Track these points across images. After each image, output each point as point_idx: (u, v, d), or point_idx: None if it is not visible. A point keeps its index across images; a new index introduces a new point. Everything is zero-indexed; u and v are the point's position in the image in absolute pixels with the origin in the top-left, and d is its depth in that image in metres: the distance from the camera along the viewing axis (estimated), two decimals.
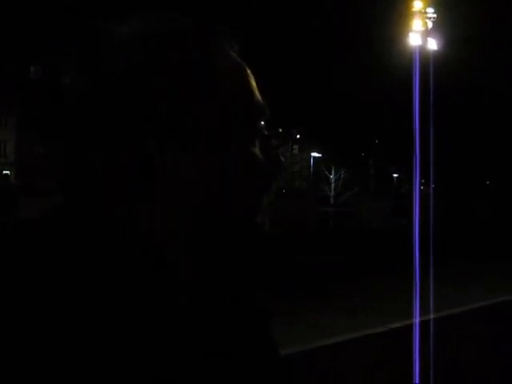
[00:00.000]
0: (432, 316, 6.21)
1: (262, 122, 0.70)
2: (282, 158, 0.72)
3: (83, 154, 0.63)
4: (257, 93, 0.69)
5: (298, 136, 48.44)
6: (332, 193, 44.33)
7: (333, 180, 44.94)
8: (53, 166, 0.67)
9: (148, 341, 0.58)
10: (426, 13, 23.22)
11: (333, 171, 44.87)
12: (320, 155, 47.58)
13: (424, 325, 5.62)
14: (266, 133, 0.70)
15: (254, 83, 0.69)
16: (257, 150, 0.67)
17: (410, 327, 5.65)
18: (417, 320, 5.63)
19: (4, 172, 44.79)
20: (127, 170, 0.61)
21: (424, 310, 6.13)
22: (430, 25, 23.26)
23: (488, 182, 47.19)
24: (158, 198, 0.63)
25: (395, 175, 53.08)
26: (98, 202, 0.63)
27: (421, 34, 22.00)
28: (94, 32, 0.66)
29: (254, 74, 0.70)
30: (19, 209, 12.05)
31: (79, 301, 0.56)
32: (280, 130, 40.77)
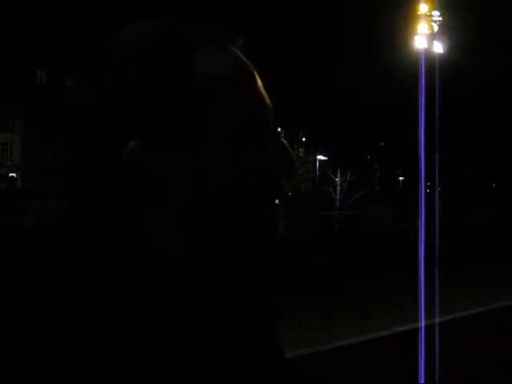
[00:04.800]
0: (437, 319, 6.19)
1: (271, 122, 0.69)
2: (294, 157, 0.71)
3: (86, 157, 0.63)
4: (263, 92, 0.68)
5: (304, 139, 48.42)
6: (338, 196, 44.24)
7: (338, 183, 44.84)
8: (57, 169, 0.67)
9: (147, 345, 0.58)
10: (431, 16, 23.20)
11: (338, 174, 44.78)
12: (326, 158, 47.50)
13: (429, 328, 5.59)
14: (276, 132, 0.70)
15: (259, 83, 0.69)
16: (265, 150, 0.67)
17: (416, 330, 5.63)
18: (422, 323, 5.61)
19: (10, 174, 44.94)
20: (129, 171, 0.62)
21: (429, 313, 6.11)
22: (435, 28, 23.24)
23: (494, 185, 47.04)
24: (160, 200, 0.63)
25: (401, 178, 52.95)
26: (99, 204, 0.63)
27: (426, 36, 21.98)
28: (94, 40, 0.66)
29: (259, 75, 0.69)
30: (23, 212, 12.11)
31: (74, 306, 0.56)
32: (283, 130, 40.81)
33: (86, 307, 0.56)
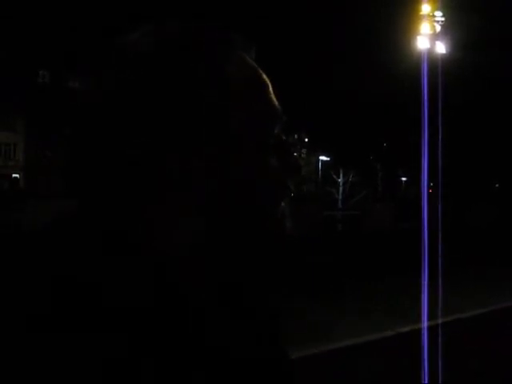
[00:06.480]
0: (440, 320, 6.18)
1: (279, 127, 0.69)
2: (301, 163, 0.72)
3: (86, 157, 0.64)
4: (273, 98, 0.69)
5: (306, 139, 48.38)
6: (340, 196, 44.16)
7: (341, 183, 44.75)
8: (62, 168, 0.67)
9: (148, 345, 0.58)
10: (434, 16, 23.17)
11: (341, 175, 44.69)
12: (328, 159, 47.45)
13: (432, 329, 5.59)
14: (284, 138, 0.70)
15: (270, 89, 0.69)
16: (273, 155, 0.67)
17: (417, 331, 5.62)
18: (425, 324, 5.60)
19: (13, 175, 44.91)
20: (129, 171, 0.62)
21: (432, 313, 6.10)
22: (438, 28, 23.22)
23: (497, 185, 46.99)
24: (160, 200, 0.63)
25: (404, 178, 52.86)
26: (100, 204, 0.63)
27: (429, 37, 21.95)
28: (106, 41, 0.67)
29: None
30: (27, 212, 12.14)
31: (74, 307, 0.56)
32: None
33: (85, 307, 0.56)
